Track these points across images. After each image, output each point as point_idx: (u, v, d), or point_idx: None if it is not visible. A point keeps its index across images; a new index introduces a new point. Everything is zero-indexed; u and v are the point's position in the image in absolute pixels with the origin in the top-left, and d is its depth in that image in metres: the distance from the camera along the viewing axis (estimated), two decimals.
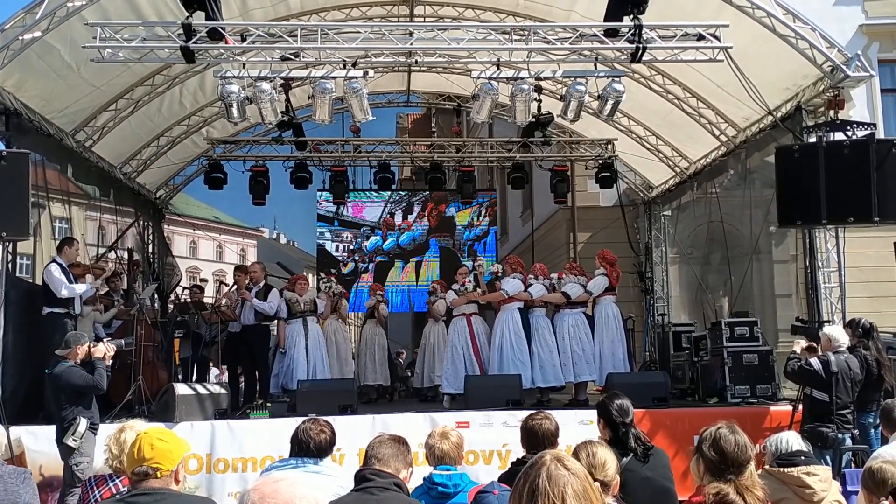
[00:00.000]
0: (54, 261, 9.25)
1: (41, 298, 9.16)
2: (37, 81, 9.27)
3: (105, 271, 10.82)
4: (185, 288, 14.20)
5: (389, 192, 16.94)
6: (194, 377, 11.85)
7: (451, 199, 16.93)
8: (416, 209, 17.19)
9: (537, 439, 4.56)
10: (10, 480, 4.49)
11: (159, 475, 3.18)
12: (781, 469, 4.36)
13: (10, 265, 8.86)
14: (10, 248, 8.86)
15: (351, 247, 16.92)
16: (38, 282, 9.84)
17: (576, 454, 3.55)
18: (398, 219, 17.14)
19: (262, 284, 11.28)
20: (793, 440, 4.58)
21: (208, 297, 12.39)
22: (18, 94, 9.10)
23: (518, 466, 4.37)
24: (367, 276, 16.61)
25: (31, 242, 9.94)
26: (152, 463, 3.18)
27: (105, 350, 7.18)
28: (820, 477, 4.29)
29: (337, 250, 16.93)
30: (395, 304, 16.65)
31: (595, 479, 3.31)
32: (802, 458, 4.43)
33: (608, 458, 3.53)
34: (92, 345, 7.20)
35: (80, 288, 9.21)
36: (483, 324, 11.14)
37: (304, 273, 15.00)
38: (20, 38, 8.23)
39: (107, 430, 6.60)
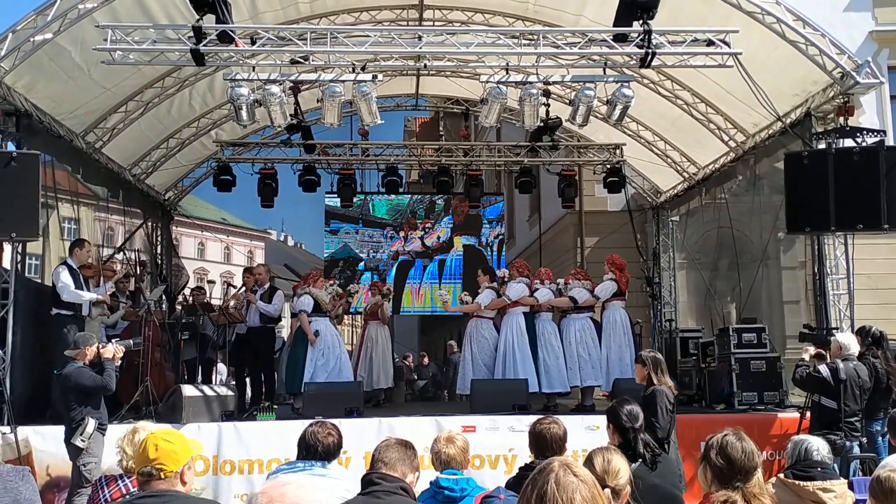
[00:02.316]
0: (65, 262, 9.28)
1: (49, 299, 9.19)
2: (47, 83, 9.31)
3: (116, 273, 10.83)
4: (191, 289, 14.23)
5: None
6: (199, 379, 11.85)
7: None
8: (439, 207, 17.21)
9: (546, 444, 4.55)
10: (9, 479, 4.49)
11: (163, 476, 3.17)
12: (797, 482, 4.33)
13: (19, 265, 8.90)
14: (19, 249, 8.90)
15: (373, 246, 16.97)
16: (47, 282, 9.88)
17: (590, 459, 3.55)
18: (420, 216, 17.17)
19: (266, 286, 11.29)
20: (814, 449, 4.54)
21: (216, 298, 12.38)
22: (29, 96, 9.15)
23: (526, 472, 4.37)
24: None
25: (41, 243, 9.99)
26: (156, 464, 3.17)
27: (114, 351, 7.21)
28: (836, 493, 4.26)
29: (361, 249, 16.98)
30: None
31: (606, 486, 3.31)
32: (819, 470, 4.40)
33: (622, 467, 3.53)
34: (101, 345, 7.23)
35: (86, 295, 9.21)
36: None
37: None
38: (31, 39, 8.27)
39: (115, 430, 6.63)
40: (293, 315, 11.67)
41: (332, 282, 12.89)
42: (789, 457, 4.61)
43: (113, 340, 7.71)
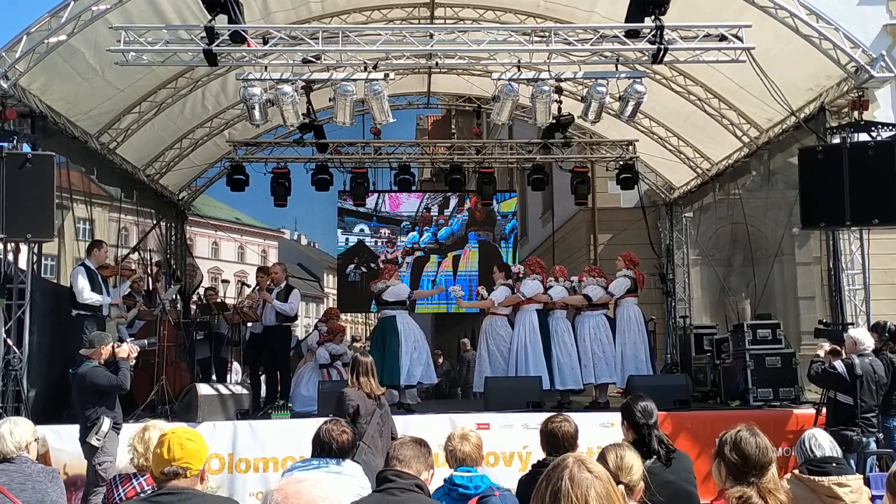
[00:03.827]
0: (82, 263, 9.34)
1: (68, 300, 9.25)
2: (62, 84, 9.36)
3: (135, 272, 10.91)
4: (205, 289, 14.31)
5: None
6: (213, 378, 11.90)
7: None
8: (453, 203, 17.21)
9: (557, 442, 4.56)
10: (38, 479, 4.54)
11: (189, 475, 3.18)
12: (812, 477, 4.32)
13: (35, 266, 8.96)
14: (35, 250, 8.96)
15: (389, 243, 17.02)
16: (63, 283, 9.94)
17: (603, 456, 3.55)
18: (434, 212, 17.20)
19: (283, 285, 11.33)
20: (816, 439, 4.53)
21: (230, 297, 12.44)
22: (44, 97, 9.20)
23: (539, 468, 4.37)
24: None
25: (56, 244, 10.05)
26: (182, 463, 3.18)
27: (129, 350, 7.25)
28: (851, 488, 4.24)
29: (375, 245, 17.02)
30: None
31: (620, 482, 3.30)
32: (834, 465, 4.38)
33: (635, 463, 3.53)
34: (116, 345, 7.27)
35: (102, 298, 9.28)
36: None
37: (324, 274, 15.07)
38: (46, 41, 8.32)
39: (130, 429, 6.67)
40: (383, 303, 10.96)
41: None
42: (798, 455, 4.61)
43: (128, 340, 7.75)
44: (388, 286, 10.70)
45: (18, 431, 4.64)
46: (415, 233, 17.09)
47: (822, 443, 4.52)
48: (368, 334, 15.88)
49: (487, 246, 17.06)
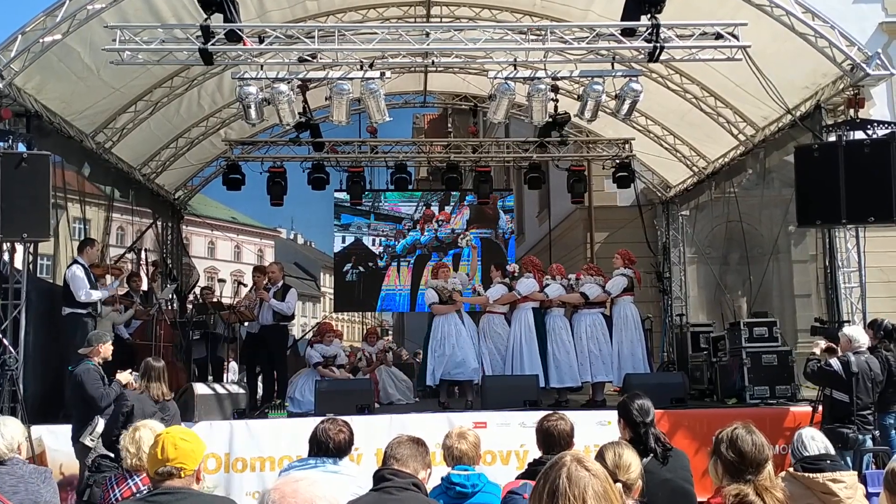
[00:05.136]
0: (76, 262, 9.33)
1: (62, 299, 9.24)
2: (57, 83, 9.34)
3: (123, 272, 10.90)
4: (201, 289, 14.30)
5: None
6: (210, 377, 11.89)
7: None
8: (454, 200, 17.19)
9: (553, 440, 4.55)
10: (31, 480, 4.53)
11: (183, 475, 3.18)
12: (807, 474, 4.33)
13: (30, 266, 8.94)
14: (31, 249, 8.94)
15: (388, 241, 17.00)
16: (58, 282, 9.93)
17: (601, 454, 3.55)
18: (435, 210, 17.17)
19: (279, 284, 11.32)
20: (809, 438, 4.54)
21: (226, 297, 12.43)
22: (39, 97, 9.18)
23: (536, 466, 4.37)
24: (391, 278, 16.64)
25: (51, 243, 10.03)
26: (176, 463, 3.18)
27: (129, 381, 7.13)
28: (846, 484, 4.26)
29: (373, 244, 16.98)
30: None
31: (618, 481, 3.31)
32: (828, 462, 4.39)
33: (633, 461, 3.53)
34: (128, 377, 7.13)
35: (96, 294, 9.27)
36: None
37: (321, 273, 15.07)
38: (41, 40, 8.29)
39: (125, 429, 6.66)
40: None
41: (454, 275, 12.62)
42: (793, 454, 4.63)
43: (130, 372, 7.55)
44: (429, 287, 10.84)
45: (9, 432, 4.61)
46: (416, 231, 17.07)
47: (815, 441, 4.54)
48: (364, 334, 15.82)
49: (490, 244, 17.04)
